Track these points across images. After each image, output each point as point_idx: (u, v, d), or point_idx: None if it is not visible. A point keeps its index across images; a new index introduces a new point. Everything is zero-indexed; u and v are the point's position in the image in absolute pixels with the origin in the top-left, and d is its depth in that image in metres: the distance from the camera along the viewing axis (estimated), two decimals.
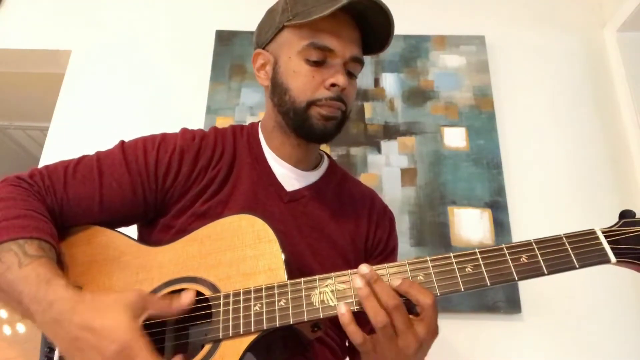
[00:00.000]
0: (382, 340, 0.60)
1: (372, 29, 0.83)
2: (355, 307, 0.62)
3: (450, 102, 1.79)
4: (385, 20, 0.80)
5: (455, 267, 0.62)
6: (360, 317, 0.62)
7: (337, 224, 0.88)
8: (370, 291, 0.61)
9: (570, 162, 1.72)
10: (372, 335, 0.62)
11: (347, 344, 0.89)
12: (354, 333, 0.60)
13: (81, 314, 0.59)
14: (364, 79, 1.82)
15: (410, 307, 0.61)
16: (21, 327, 0.70)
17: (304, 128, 0.81)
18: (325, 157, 0.97)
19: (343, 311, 0.61)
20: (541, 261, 0.60)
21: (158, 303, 0.63)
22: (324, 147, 1.01)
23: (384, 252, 0.93)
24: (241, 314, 0.64)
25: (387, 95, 1.81)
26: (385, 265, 0.64)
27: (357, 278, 0.62)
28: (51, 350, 0.67)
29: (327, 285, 0.64)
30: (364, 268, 0.62)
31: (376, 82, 1.84)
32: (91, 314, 0.59)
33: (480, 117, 1.76)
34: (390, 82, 1.84)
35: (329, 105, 0.80)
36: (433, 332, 0.61)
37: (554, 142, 1.75)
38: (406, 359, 0.61)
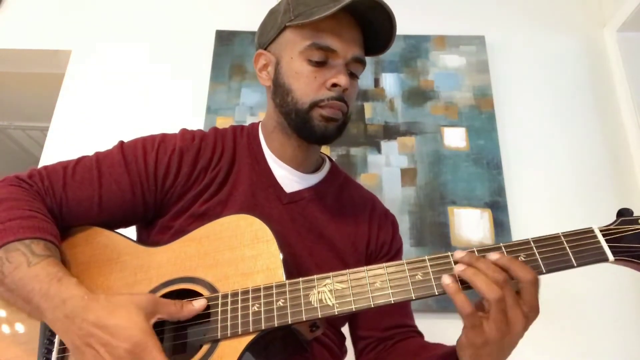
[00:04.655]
0: (494, 315, 0.57)
1: (375, 30, 0.82)
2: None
3: (450, 102, 1.79)
4: (387, 20, 0.79)
5: (454, 266, 0.61)
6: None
7: (337, 227, 0.87)
8: (476, 269, 0.59)
9: (570, 162, 1.72)
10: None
11: (358, 341, 0.89)
12: (464, 302, 0.58)
13: (95, 312, 0.60)
14: (364, 79, 1.82)
15: None
16: (20, 328, 0.70)
17: (305, 129, 0.81)
18: (327, 161, 0.96)
19: (448, 282, 0.59)
20: (539, 260, 0.60)
21: (169, 306, 0.64)
22: (324, 148, 1.00)
23: (389, 254, 0.92)
24: (239, 314, 0.64)
25: (387, 95, 1.81)
26: (384, 264, 0.64)
27: (458, 265, 0.60)
28: (49, 351, 0.67)
29: (325, 285, 0.64)
30: (459, 253, 0.61)
31: (376, 82, 1.84)
32: (105, 312, 0.60)
33: (480, 117, 1.76)
34: (390, 82, 1.83)
35: (330, 106, 0.79)
36: (536, 308, 0.59)
37: (554, 142, 1.75)
38: (514, 336, 0.59)
